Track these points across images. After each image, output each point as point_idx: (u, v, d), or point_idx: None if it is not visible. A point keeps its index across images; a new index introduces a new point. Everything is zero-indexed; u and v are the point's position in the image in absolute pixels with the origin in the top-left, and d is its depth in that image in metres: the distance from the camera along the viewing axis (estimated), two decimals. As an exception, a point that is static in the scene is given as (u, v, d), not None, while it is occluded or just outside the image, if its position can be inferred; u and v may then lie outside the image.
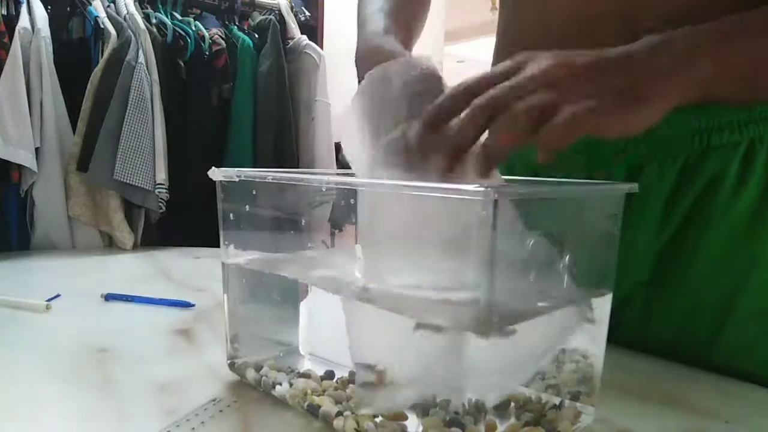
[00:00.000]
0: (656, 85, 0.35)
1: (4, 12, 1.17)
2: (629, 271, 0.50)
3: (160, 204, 1.23)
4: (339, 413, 0.36)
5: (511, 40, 0.58)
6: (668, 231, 0.49)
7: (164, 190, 1.24)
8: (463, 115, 0.34)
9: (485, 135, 0.34)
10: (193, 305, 0.69)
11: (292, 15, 1.53)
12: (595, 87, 0.33)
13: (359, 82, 0.46)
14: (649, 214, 0.49)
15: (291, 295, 0.45)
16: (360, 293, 0.38)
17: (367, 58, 0.49)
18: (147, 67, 1.23)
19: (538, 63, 0.34)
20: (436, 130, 0.35)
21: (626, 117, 0.34)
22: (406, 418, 0.34)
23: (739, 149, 0.46)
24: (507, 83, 0.34)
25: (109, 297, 0.73)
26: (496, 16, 0.61)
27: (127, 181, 1.18)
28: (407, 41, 0.55)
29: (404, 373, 0.35)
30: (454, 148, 0.34)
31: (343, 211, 0.50)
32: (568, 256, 0.36)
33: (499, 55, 0.61)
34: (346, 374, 0.40)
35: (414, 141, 0.36)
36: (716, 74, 0.37)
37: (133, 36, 1.22)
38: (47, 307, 0.67)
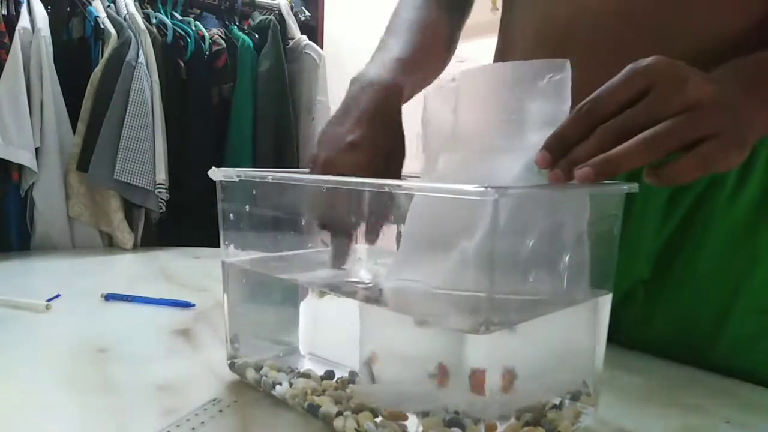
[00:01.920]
0: (754, 124, 0.35)
1: (4, 12, 1.17)
2: (630, 269, 0.50)
3: (160, 204, 1.23)
4: (339, 413, 0.36)
5: (513, 40, 0.58)
6: (669, 229, 0.49)
7: (164, 190, 1.24)
8: (589, 141, 0.32)
9: None
10: (193, 305, 0.69)
11: (292, 15, 1.53)
12: (723, 122, 0.32)
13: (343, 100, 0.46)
14: (650, 212, 0.49)
15: (291, 295, 0.45)
16: (365, 294, 0.38)
17: (363, 87, 0.47)
18: (147, 67, 1.23)
19: (672, 82, 0.32)
20: (562, 154, 0.33)
21: (735, 157, 0.33)
22: (406, 418, 0.34)
23: None
24: (644, 107, 0.32)
25: (109, 297, 0.73)
26: (496, 16, 0.61)
27: (128, 181, 1.18)
28: (407, 95, 0.52)
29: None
30: (573, 166, 0.32)
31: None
32: (568, 256, 0.36)
33: (501, 54, 0.61)
34: (346, 374, 0.40)
35: (541, 164, 0.34)
36: None
37: (133, 36, 1.22)
38: (47, 307, 0.67)
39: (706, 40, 0.43)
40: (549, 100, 0.36)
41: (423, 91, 0.43)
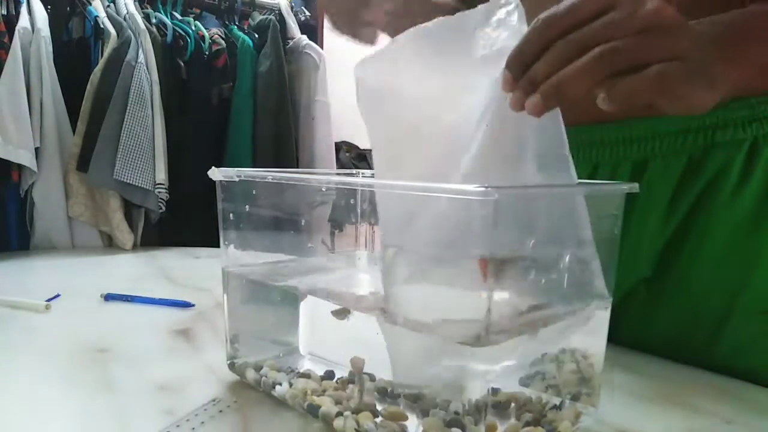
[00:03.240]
0: (724, 68, 0.34)
1: (4, 12, 1.17)
2: (631, 269, 0.50)
3: (160, 204, 1.23)
4: (339, 413, 0.36)
5: None
6: (670, 229, 0.49)
7: (164, 190, 1.24)
8: (548, 53, 0.31)
9: None
10: (193, 305, 0.69)
11: (292, 15, 1.53)
12: (684, 48, 0.31)
13: None
14: (653, 210, 0.49)
15: (290, 295, 0.45)
16: (362, 305, 0.38)
17: None
18: (147, 66, 1.23)
19: (633, 1, 0.31)
20: (522, 71, 0.32)
21: (699, 92, 0.32)
22: (406, 418, 0.34)
23: (742, 146, 0.46)
24: (601, 23, 0.31)
25: (108, 297, 0.73)
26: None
27: (127, 181, 1.18)
28: None
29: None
30: (534, 86, 0.31)
31: (343, 211, 0.50)
32: (568, 257, 0.36)
33: None
34: (346, 374, 0.40)
35: (503, 87, 0.33)
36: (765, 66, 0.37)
37: (133, 36, 1.22)
38: (47, 307, 0.67)
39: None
40: (509, 35, 0.34)
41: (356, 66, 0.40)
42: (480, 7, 0.36)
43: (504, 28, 0.35)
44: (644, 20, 0.31)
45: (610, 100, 0.31)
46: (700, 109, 0.34)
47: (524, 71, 0.32)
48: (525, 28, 0.34)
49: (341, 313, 0.40)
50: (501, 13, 0.35)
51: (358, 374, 0.38)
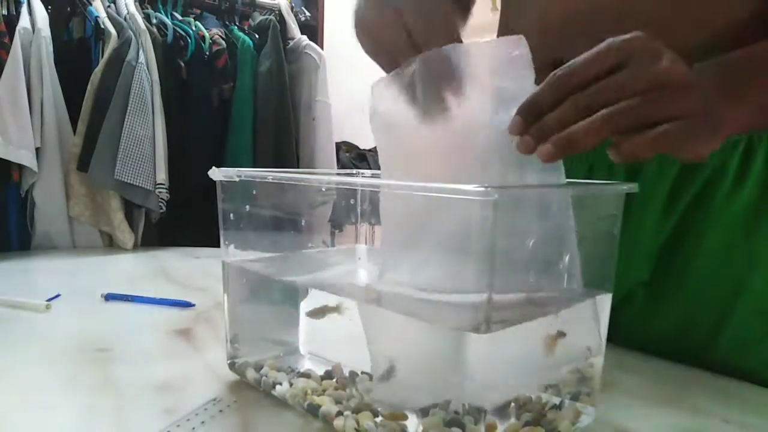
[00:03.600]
0: (729, 113, 0.35)
1: (4, 12, 1.17)
2: (630, 269, 0.50)
3: (161, 204, 1.23)
4: (339, 413, 0.36)
5: None
6: (668, 229, 0.49)
7: (164, 190, 1.24)
8: (563, 107, 0.33)
9: None
10: (193, 305, 0.69)
11: (292, 15, 1.53)
12: (690, 106, 0.33)
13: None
14: (649, 212, 0.49)
15: (291, 294, 0.45)
16: (366, 296, 0.38)
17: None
18: (147, 67, 1.23)
19: (645, 60, 0.33)
20: (534, 119, 0.34)
21: (703, 143, 0.34)
22: (406, 418, 0.34)
23: (738, 147, 0.46)
24: (613, 82, 0.32)
25: (109, 297, 0.73)
26: (496, 16, 0.61)
27: (128, 181, 1.18)
28: None
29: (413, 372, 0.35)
30: (545, 134, 0.33)
31: (344, 211, 0.50)
32: (568, 256, 0.36)
33: None
34: (346, 374, 0.40)
35: (512, 131, 0.35)
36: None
37: (133, 36, 1.22)
38: (47, 307, 0.67)
39: (702, 35, 0.43)
40: (514, 77, 0.36)
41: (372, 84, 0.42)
42: (492, 41, 0.38)
43: (513, 70, 0.37)
44: (654, 80, 0.32)
45: (616, 152, 0.33)
46: (708, 154, 0.35)
47: (536, 120, 0.33)
48: (531, 74, 0.36)
49: (316, 314, 0.41)
50: (511, 53, 0.37)
51: (339, 377, 0.39)
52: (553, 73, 0.34)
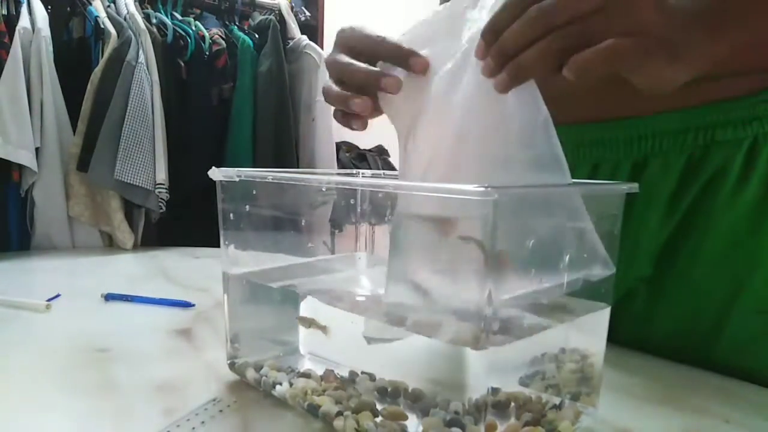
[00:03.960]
0: (701, 44, 0.34)
1: (4, 12, 1.17)
2: (631, 267, 0.50)
3: (161, 204, 1.23)
4: (339, 413, 0.36)
5: None
6: (671, 227, 0.49)
7: (164, 190, 1.24)
8: (517, 23, 0.33)
9: None
10: (193, 305, 0.69)
11: (292, 15, 1.53)
12: (646, 27, 0.32)
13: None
14: (652, 209, 0.49)
15: (291, 295, 0.45)
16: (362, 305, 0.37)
17: None
18: (147, 67, 1.23)
19: None
20: (494, 39, 0.34)
21: (656, 67, 0.33)
22: (406, 417, 0.34)
23: (742, 146, 0.46)
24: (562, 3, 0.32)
25: (109, 297, 0.73)
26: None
27: (128, 181, 1.18)
28: None
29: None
30: (502, 56, 0.33)
31: (344, 212, 0.50)
32: (569, 256, 0.36)
33: None
34: (346, 374, 0.40)
35: (476, 55, 0.35)
36: (746, 44, 0.37)
37: (133, 36, 1.22)
38: (47, 307, 0.67)
39: None
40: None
41: None
42: None
43: (487, 10, 0.37)
44: None
45: (567, 69, 0.32)
46: (669, 84, 0.35)
47: (496, 40, 0.33)
48: None
49: (304, 322, 0.41)
50: None
51: (330, 381, 0.39)
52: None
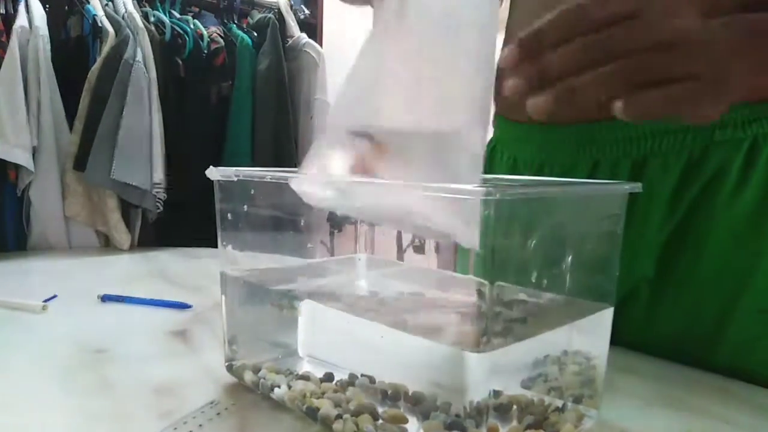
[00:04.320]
0: (739, 77, 0.34)
1: (1, 10, 1.17)
2: (633, 268, 0.50)
3: (158, 204, 1.23)
4: (338, 416, 0.36)
5: (518, 33, 0.58)
6: (671, 227, 0.49)
7: (162, 190, 1.23)
8: (567, 48, 0.31)
9: None
10: (191, 306, 0.69)
11: (291, 13, 1.52)
12: (696, 69, 0.31)
13: None
14: (652, 210, 0.49)
15: (290, 297, 0.45)
16: (362, 307, 0.37)
17: None
18: (145, 65, 1.22)
19: (659, 12, 0.31)
20: (530, 56, 0.32)
21: (707, 109, 0.32)
22: (406, 420, 0.34)
23: (742, 146, 0.45)
24: (627, 31, 0.31)
25: (105, 298, 0.72)
26: (502, 14, 0.61)
27: (125, 181, 1.17)
28: None
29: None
30: (545, 76, 0.31)
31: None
32: (570, 257, 0.35)
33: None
34: (345, 377, 0.40)
35: (505, 63, 0.32)
36: None
37: (131, 34, 1.21)
38: (44, 308, 0.66)
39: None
40: None
41: None
42: None
43: None
44: (668, 35, 0.31)
45: (626, 112, 0.31)
46: (710, 119, 0.34)
47: (534, 57, 0.31)
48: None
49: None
50: None
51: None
52: (562, 8, 0.32)
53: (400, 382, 0.36)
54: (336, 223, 0.50)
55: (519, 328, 0.33)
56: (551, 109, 0.31)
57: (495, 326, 0.30)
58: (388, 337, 0.36)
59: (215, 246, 0.44)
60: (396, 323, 0.36)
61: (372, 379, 0.38)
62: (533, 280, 0.34)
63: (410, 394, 0.36)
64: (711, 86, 0.32)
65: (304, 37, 1.50)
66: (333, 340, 0.42)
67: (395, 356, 0.36)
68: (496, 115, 0.63)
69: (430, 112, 0.33)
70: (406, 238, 0.47)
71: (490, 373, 0.30)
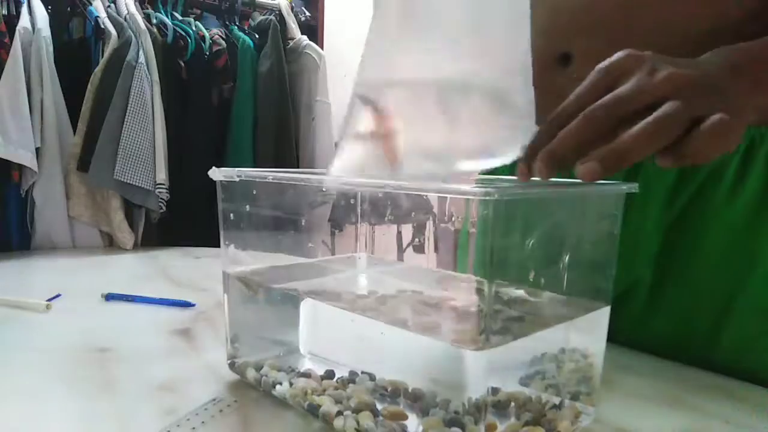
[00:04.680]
0: (744, 105, 0.34)
1: (4, 12, 1.17)
2: (630, 267, 0.50)
3: (161, 204, 1.24)
4: (339, 413, 0.36)
5: None
6: (669, 226, 0.49)
7: (165, 190, 1.24)
8: (576, 124, 0.32)
9: None
10: (194, 305, 0.69)
11: (292, 15, 1.53)
12: (707, 104, 0.32)
13: None
14: (650, 208, 0.50)
15: (291, 295, 0.45)
16: (362, 305, 0.37)
17: None
18: (147, 67, 1.23)
19: (641, 68, 0.32)
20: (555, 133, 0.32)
21: (735, 136, 0.32)
22: (406, 417, 0.34)
23: (738, 146, 0.46)
24: (628, 87, 0.31)
25: (109, 297, 0.73)
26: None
27: (128, 181, 1.18)
28: None
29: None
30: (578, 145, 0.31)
31: (343, 211, 0.50)
32: (568, 257, 0.36)
33: None
34: (346, 374, 0.40)
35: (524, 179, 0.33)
36: None
37: (133, 36, 1.22)
38: (48, 307, 0.67)
39: (709, 28, 0.43)
40: None
41: None
42: None
43: None
44: (666, 80, 0.31)
45: (677, 159, 0.31)
46: (732, 148, 0.33)
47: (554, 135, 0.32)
48: None
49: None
50: None
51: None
52: (549, 118, 0.33)
53: (400, 379, 0.37)
54: (336, 223, 0.51)
55: (517, 327, 0.33)
56: (602, 174, 0.30)
57: (493, 324, 0.30)
58: (388, 335, 0.36)
59: (218, 245, 0.44)
60: (396, 321, 0.36)
61: (372, 377, 0.39)
62: (531, 279, 0.35)
63: (410, 391, 0.37)
64: (731, 115, 0.32)
65: (305, 39, 1.50)
66: (334, 338, 0.43)
67: (395, 353, 0.37)
68: None
69: (473, 60, 0.32)
70: (406, 238, 0.48)
71: (489, 371, 0.31)
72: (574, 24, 0.48)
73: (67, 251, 1.19)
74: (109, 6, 1.27)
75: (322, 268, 0.51)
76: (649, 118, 0.30)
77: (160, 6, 1.38)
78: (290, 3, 1.55)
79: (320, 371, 0.41)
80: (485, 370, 0.31)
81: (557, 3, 0.50)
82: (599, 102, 0.32)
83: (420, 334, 0.35)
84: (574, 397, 0.38)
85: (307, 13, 1.63)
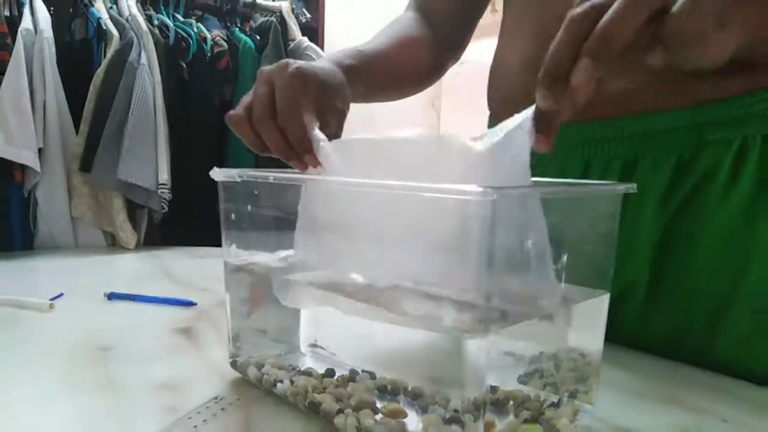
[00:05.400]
0: (740, 8, 0.31)
1: (6, 13, 1.18)
2: (626, 267, 0.51)
3: (163, 204, 1.24)
4: (340, 411, 0.37)
5: (512, 40, 0.59)
6: (664, 227, 0.50)
7: (167, 191, 1.24)
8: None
9: None
10: (196, 304, 0.70)
11: (293, 17, 1.53)
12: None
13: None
14: (644, 209, 0.50)
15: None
16: (358, 293, 0.38)
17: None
18: (149, 68, 1.23)
19: None
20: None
21: (719, 44, 0.30)
22: (406, 415, 0.35)
23: (732, 146, 0.46)
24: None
25: (112, 296, 0.73)
26: (496, 17, 0.62)
27: (130, 182, 1.18)
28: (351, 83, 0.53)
29: None
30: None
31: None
32: (566, 256, 0.36)
33: (500, 54, 0.61)
34: (346, 372, 0.40)
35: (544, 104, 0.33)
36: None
37: (135, 37, 1.23)
38: (50, 306, 0.67)
39: None
40: None
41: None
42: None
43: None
44: None
45: (664, 52, 0.30)
46: (714, 61, 0.31)
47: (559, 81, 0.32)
48: None
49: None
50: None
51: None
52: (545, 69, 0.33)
53: (400, 377, 0.37)
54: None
55: (514, 317, 0.34)
56: (596, 68, 0.30)
57: (492, 314, 0.30)
58: (388, 330, 0.37)
59: (219, 245, 0.45)
60: (395, 310, 0.36)
61: (372, 375, 0.39)
62: (530, 278, 0.35)
63: (410, 389, 0.37)
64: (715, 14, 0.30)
65: (305, 41, 1.51)
66: (335, 335, 0.43)
67: (394, 347, 0.37)
68: (490, 118, 0.64)
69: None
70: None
71: (488, 369, 0.31)
72: None
73: (70, 251, 1.20)
74: (111, 7, 1.27)
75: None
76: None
77: (162, 7, 1.38)
78: (291, 5, 1.55)
79: (321, 369, 0.41)
80: (485, 360, 0.31)
81: (549, 13, 0.50)
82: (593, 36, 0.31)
83: (419, 324, 0.35)
84: (573, 395, 0.38)
85: (308, 15, 1.64)
